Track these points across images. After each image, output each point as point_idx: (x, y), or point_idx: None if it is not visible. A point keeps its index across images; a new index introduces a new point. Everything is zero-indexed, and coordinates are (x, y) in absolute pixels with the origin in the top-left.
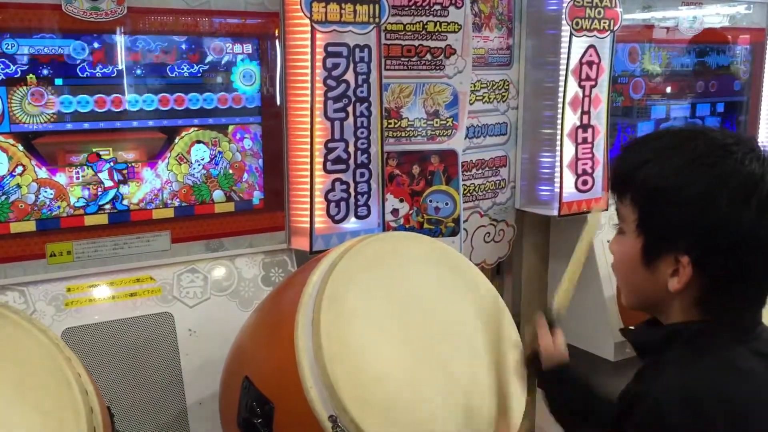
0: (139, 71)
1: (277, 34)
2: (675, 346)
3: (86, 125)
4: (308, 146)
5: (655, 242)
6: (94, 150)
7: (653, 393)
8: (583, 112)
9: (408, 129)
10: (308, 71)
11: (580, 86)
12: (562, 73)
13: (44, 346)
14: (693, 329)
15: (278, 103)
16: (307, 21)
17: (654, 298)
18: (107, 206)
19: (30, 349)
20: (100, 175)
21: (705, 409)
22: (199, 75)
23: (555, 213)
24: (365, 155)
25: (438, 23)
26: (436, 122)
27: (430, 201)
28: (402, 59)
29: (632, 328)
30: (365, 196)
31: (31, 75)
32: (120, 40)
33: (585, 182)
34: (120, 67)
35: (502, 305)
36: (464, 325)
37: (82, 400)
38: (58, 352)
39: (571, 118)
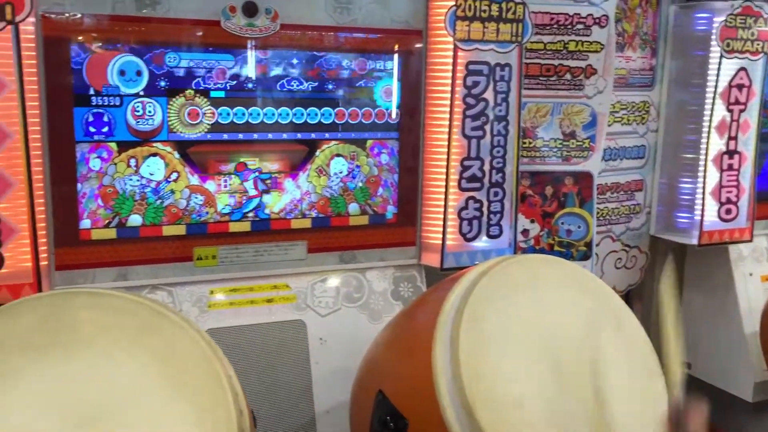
0: (286, 85)
1: (418, 52)
2: None
3: (237, 136)
4: (444, 163)
5: None
6: (241, 160)
7: None
8: (729, 138)
9: (542, 149)
10: (448, 89)
11: (728, 110)
12: (710, 95)
13: (200, 347)
14: None
15: (416, 119)
16: (450, 39)
17: None
18: (250, 214)
19: (188, 349)
20: (245, 184)
21: None
22: (342, 90)
23: (694, 242)
24: (500, 174)
25: (580, 42)
26: (572, 143)
27: (562, 223)
28: (540, 78)
29: None
30: (498, 215)
31: (189, 87)
32: (271, 55)
33: (728, 211)
34: (270, 81)
35: (645, 338)
36: (606, 356)
37: (233, 401)
38: (213, 354)
39: (717, 143)
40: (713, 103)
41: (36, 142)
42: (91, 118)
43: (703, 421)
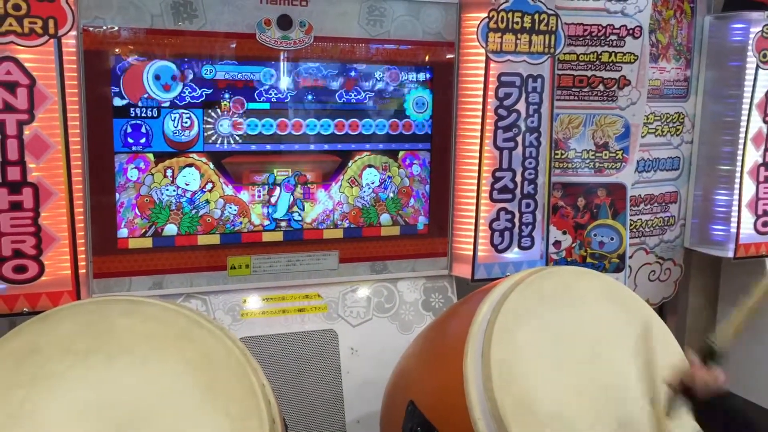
0: (319, 97)
1: (450, 63)
2: None
3: (270, 147)
4: (476, 174)
5: None
6: (275, 170)
7: None
8: (766, 149)
9: (575, 160)
10: (480, 100)
11: (765, 121)
12: (746, 107)
13: (234, 355)
14: None
15: (448, 130)
16: (483, 51)
17: None
18: (283, 224)
19: (222, 357)
20: (279, 194)
21: None
22: (375, 101)
23: (730, 255)
24: (532, 185)
25: (613, 54)
26: (605, 154)
27: (595, 235)
28: (573, 90)
29: None
30: (529, 226)
31: (224, 99)
32: (305, 66)
33: (765, 224)
34: (303, 93)
35: (680, 352)
36: (638, 369)
37: (266, 410)
38: (246, 363)
39: (754, 155)
40: (749, 115)
41: (76, 153)
42: (129, 130)
43: (712, 382)
